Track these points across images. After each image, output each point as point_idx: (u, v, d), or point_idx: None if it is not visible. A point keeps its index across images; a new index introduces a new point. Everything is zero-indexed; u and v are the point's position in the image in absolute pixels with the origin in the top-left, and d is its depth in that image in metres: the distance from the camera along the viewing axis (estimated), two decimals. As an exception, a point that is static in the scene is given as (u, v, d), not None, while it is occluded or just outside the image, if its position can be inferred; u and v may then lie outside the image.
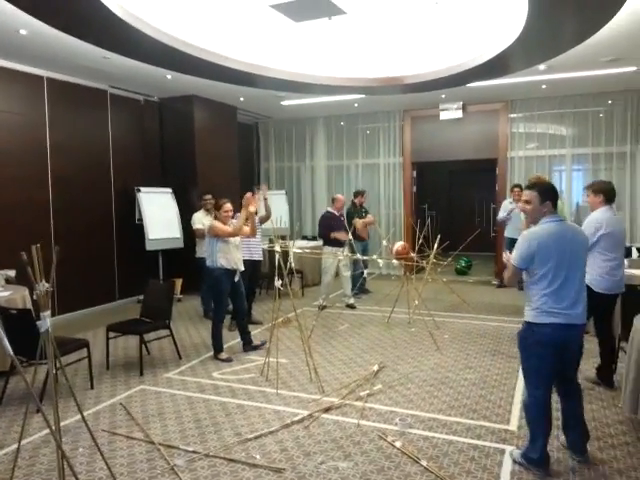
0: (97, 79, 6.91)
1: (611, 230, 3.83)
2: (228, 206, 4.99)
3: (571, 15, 4.29)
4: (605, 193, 3.90)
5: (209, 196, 6.73)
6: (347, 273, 7.08)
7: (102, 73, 6.54)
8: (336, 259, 6.71)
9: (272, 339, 4.63)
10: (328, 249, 6.86)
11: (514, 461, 3.00)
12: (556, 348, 2.78)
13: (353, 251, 6.70)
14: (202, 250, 6.60)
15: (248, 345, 5.28)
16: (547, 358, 2.79)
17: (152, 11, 4.49)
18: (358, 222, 7.37)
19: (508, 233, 7.92)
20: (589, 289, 3.69)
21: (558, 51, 5.40)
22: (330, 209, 7.12)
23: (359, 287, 7.73)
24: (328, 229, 6.80)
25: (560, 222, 2.81)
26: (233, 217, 5.11)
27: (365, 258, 6.75)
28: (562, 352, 2.82)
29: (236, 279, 5.04)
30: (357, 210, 7.73)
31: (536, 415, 2.89)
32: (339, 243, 6.76)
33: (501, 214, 7.99)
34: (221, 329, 5.03)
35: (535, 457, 2.89)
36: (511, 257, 2.87)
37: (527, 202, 2.88)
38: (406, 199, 9.61)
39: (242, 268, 5.10)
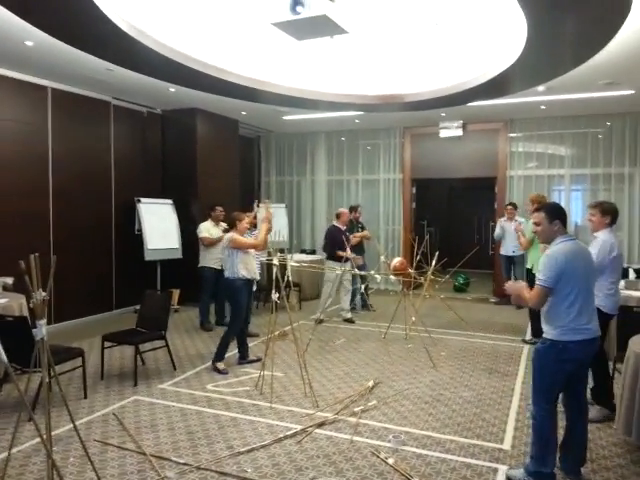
0: (100, 90, 6.99)
1: (619, 252, 3.85)
2: (248, 219, 5.25)
3: (570, 38, 4.37)
4: (613, 214, 3.88)
5: (220, 208, 6.81)
6: (350, 287, 7.12)
7: (106, 85, 6.61)
8: (339, 273, 6.72)
9: (268, 352, 4.63)
10: (331, 263, 6.87)
11: None
12: (576, 364, 2.87)
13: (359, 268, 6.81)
14: (206, 259, 6.63)
15: (244, 359, 5.27)
16: (564, 374, 2.87)
17: (156, 25, 4.57)
18: (352, 238, 7.35)
19: (503, 251, 8.09)
20: (599, 311, 3.73)
21: (557, 73, 5.47)
22: (336, 223, 7.16)
23: (362, 304, 7.75)
24: (335, 243, 6.85)
25: (573, 241, 2.90)
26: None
27: (363, 273, 6.76)
28: (580, 367, 2.92)
29: (254, 288, 5.25)
30: (354, 225, 7.72)
31: (548, 430, 2.92)
32: (342, 258, 6.76)
33: (497, 231, 8.14)
34: (231, 341, 5.07)
35: (549, 472, 2.90)
36: (538, 278, 2.85)
37: (537, 224, 2.96)
38: (405, 215, 9.65)
39: (258, 277, 5.39)
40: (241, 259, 5.00)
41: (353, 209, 7.86)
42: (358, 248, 7.48)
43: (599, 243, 3.78)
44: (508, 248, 7.96)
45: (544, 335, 2.93)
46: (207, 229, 6.70)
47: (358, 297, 7.70)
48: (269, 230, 5.14)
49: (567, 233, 2.92)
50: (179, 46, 4.99)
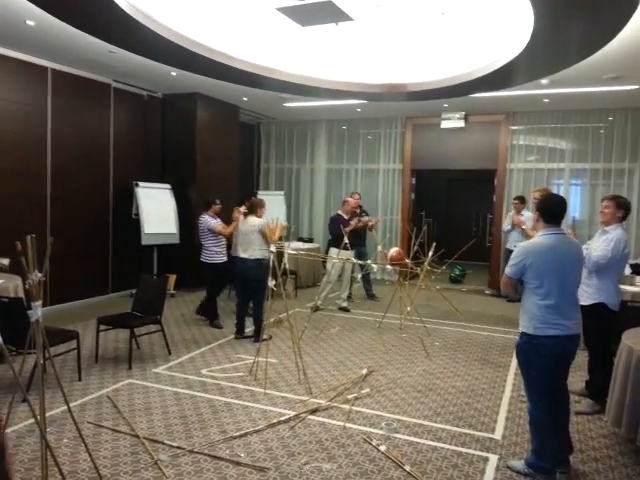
0: (101, 72, 6.93)
1: (628, 250, 3.85)
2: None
3: (577, 30, 4.33)
4: (626, 209, 3.85)
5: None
6: (349, 275, 7.16)
7: (107, 67, 6.56)
8: (340, 261, 6.71)
9: (262, 339, 4.64)
10: (334, 251, 6.84)
11: (517, 472, 2.98)
12: (556, 359, 2.83)
13: (358, 256, 6.82)
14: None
15: (240, 334, 5.61)
16: (550, 370, 2.84)
17: (160, 9, 4.52)
18: (355, 222, 7.36)
19: (508, 244, 8.05)
20: (605, 308, 3.73)
21: (563, 65, 5.43)
22: (340, 212, 7.15)
23: (367, 294, 7.77)
24: (334, 230, 6.83)
25: (556, 235, 2.87)
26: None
27: (360, 262, 6.76)
28: (561, 364, 2.88)
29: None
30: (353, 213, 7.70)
31: (544, 425, 2.91)
32: (345, 246, 6.65)
33: (505, 226, 8.14)
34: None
35: (547, 466, 2.90)
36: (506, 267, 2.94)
37: (536, 218, 3.05)
38: (404, 205, 9.64)
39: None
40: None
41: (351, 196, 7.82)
42: (360, 238, 7.40)
43: (612, 240, 3.72)
44: (511, 242, 7.93)
45: (520, 328, 2.94)
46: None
47: (356, 286, 7.71)
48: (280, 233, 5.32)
49: (554, 227, 2.89)
50: (183, 30, 4.94)
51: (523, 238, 7.24)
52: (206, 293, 6.29)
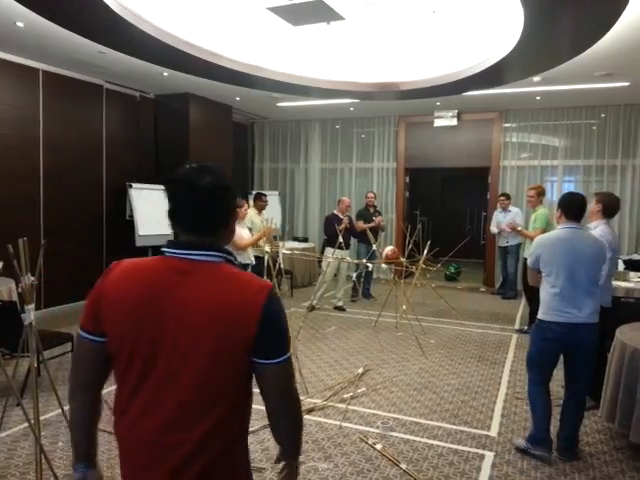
0: (93, 74, 6.89)
1: (617, 247, 3.90)
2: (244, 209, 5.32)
3: (567, 29, 4.35)
4: (605, 205, 3.82)
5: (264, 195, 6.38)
6: (345, 274, 7.15)
7: (98, 68, 6.52)
8: (336, 261, 6.72)
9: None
10: (330, 250, 6.84)
11: (517, 449, 3.23)
12: (559, 344, 3.07)
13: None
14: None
15: None
16: (549, 352, 3.11)
17: (150, 9, 4.50)
18: (360, 225, 7.37)
19: (501, 243, 8.00)
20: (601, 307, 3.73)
21: (554, 63, 5.45)
22: (335, 211, 7.17)
23: (363, 292, 7.77)
24: (331, 230, 6.82)
25: (571, 229, 3.09)
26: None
27: (355, 262, 6.76)
28: (569, 350, 3.09)
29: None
30: (367, 211, 7.68)
31: (537, 403, 3.17)
32: (340, 245, 6.64)
33: (492, 228, 8.02)
34: None
35: (540, 437, 3.14)
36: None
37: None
38: (398, 204, 9.65)
39: (254, 262, 5.44)
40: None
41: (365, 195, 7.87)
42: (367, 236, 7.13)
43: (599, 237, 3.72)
44: (503, 239, 7.88)
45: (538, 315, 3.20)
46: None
47: (351, 285, 7.72)
48: (256, 240, 5.29)
49: (573, 222, 3.10)
50: (174, 30, 4.92)
51: (515, 235, 7.26)
52: None
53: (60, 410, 2.75)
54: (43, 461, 2.51)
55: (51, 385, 2.84)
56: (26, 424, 3.37)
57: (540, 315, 3.13)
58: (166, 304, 1.23)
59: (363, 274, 7.49)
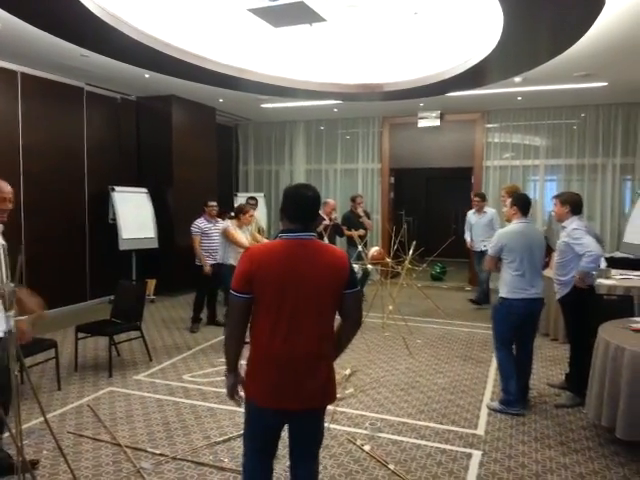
0: (73, 76, 6.80)
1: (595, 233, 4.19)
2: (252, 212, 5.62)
3: (546, 29, 4.40)
4: (571, 204, 3.88)
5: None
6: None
7: (79, 70, 6.44)
8: None
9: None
10: None
11: (494, 410, 3.78)
12: (521, 317, 3.72)
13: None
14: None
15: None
16: (513, 324, 3.75)
17: (131, 11, 4.45)
18: (348, 233, 7.23)
19: (478, 246, 7.29)
20: (576, 292, 3.84)
21: (534, 64, 5.51)
22: (320, 212, 7.06)
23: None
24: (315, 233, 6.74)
25: (525, 224, 3.76)
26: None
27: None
28: (525, 321, 3.74)
29: None
30: (355, 215, 7.43)
31: (506, 365, 3.78)
32: None
33: (467, 235, 7.52)
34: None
35: (512, 398, 3.73)
36: (488, 249, 3.95)
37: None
38: (384, 205, 9.68)
39: None
40: (233, 249, 5.36)
41: (353, 199, 7.59)
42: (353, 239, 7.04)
43: (574, 232, 3.75)
44: (477, 244, 7.30)
45: (499, 295, 3.80)
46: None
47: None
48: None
49: (525, 217, 3.77)
50: (155, 32, 4.87)
51: (489, 235, 6.38)
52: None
53: (43, 418, 2.70)
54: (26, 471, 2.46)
55: (33, 393, 2.78)
56: (7, 434, 3.31)
57: (505, 294, 3.72)
58: (301, 263, 2.02)
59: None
